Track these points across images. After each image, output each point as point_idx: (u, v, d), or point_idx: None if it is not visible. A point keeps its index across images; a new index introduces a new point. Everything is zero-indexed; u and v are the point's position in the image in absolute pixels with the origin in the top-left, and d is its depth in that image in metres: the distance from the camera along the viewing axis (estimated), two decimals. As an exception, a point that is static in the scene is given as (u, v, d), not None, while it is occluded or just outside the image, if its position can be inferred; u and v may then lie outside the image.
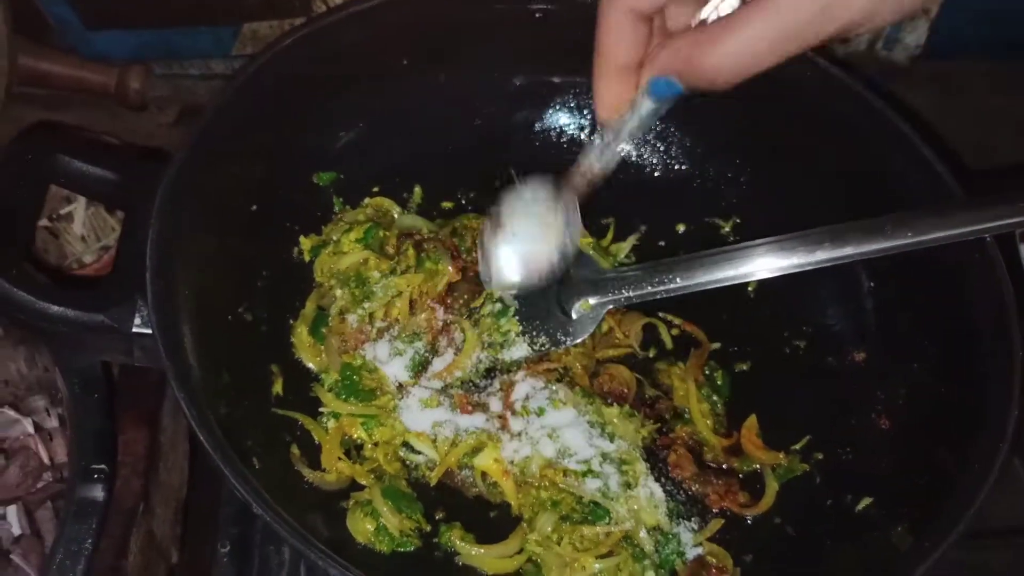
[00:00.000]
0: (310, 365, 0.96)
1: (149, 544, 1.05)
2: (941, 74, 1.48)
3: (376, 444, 0.92)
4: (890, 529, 0.79)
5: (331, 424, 0.92)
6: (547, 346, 0.97)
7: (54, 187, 1.24)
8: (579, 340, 0.97)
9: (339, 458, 0.89)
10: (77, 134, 1.06)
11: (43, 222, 1.29)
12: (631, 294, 0.95)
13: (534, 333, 0.98)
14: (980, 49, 1.45)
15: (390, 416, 0.93)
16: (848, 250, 0.85)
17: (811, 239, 0.86)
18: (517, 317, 0.98)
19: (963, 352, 0.86)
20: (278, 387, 0.92)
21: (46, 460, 1.03)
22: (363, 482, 0.89)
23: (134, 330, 0.74)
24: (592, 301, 0.96)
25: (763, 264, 0.88)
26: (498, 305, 0.99)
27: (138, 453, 1.05)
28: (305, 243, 1.01)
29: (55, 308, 0.74)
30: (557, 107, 1.14)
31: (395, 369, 0.96)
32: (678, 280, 0.92)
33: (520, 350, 0.98)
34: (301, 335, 0.96)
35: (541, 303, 0.98)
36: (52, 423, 1.05)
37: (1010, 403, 0.76)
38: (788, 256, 0.87)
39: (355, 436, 0.92)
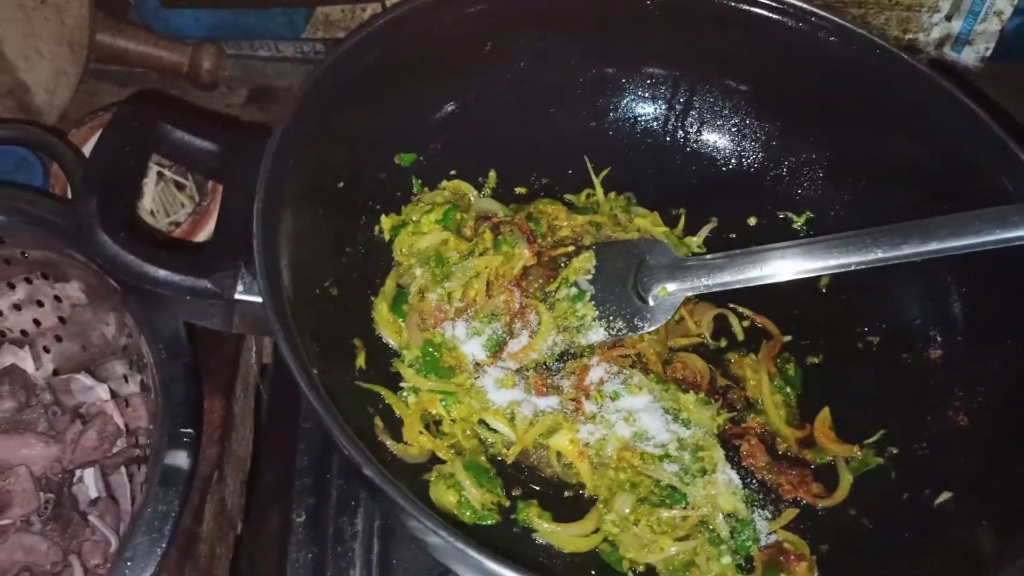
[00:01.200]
0: (390, 341, 0.97)
1: (221, 512, 1.07)
2: (1009, 74, 1.47)
3: (454, 420, 0.93)
4: (973, 526, 0.79)
5: (411, 399, 0.93)
6: (624, 331, 0.98)
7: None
8: (657, 326, 0.98)
9: (420, 432, 0.91)
10: (180, 104, 1.08)
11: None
12: (710, 282, 0.95)
13: (611, 318, 0.98)
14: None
15: (468, 393, 0.94)
16: (934, 246, 0.85)
17: (896, 234, 0.87)
18: (593, 302, 0.99)
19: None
20: (361, 361, 0.93)
21: (121, 426, 1.05)
22: (444, 456, 0.90)
23: (236, 296, 0.76)
24: (671, 288, 0.97)
25: (842, 259, 0.88)
26: (573, 289, 1.00)
27: (214, 423, 1.08)
28: (386, 222, 1.03)
29: (162, 272, 0.75)
30: (632, 98, 1.15)
31: (473, 348, 0.97)
32: (758, 270, 0.92)
33: (596, 334, 0.98)
34: (382, 311, 0.98)
35: (618, 288, 0.99)
36: (130, 388, 1.07)
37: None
38: (870, 251, 0.87)
39: (434, 412, 0.93)
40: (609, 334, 0.98)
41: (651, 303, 0.98)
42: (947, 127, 0.98)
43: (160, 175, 1.35)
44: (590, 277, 1.01)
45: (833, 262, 0.88)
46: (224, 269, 0.76)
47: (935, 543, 0.82)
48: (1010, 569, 0.71)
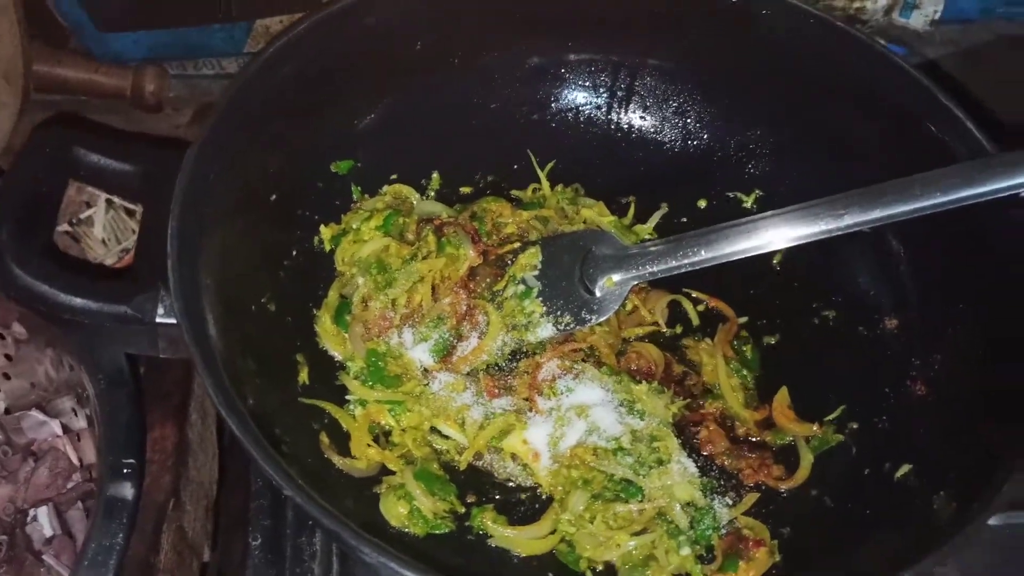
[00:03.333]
0: (335, 353, 0.96)
1: (181, 540, 1.05)
2: (960, 38, 1.46)
3: (404, 430, 0.91)
4: (931, 495, 0.78)
5: (358, 411, 0.91)
6: (572, 325, 0.96)
7: (74, 193, 1.26)
8: (604, 318, 0.96)
9: (368, 445, 0.89)
10: (95, 127, 1.06)
11: (64, 227, 1.29)
12: (655, 269, 0.93)
13: (558, 313, 0.97)
14: (1002, 13, 1.43)
15: (417, 401, 0.92)
16: (876, 213, 0.83)
17: (837, 204, 0.85)
18: (540, 298, 0.97)
19: (1000, 316, 0.84)
20: (304, 376, 0.92)
21: (75, 461, 1.04)
22: (393, 467, 0.88)
23: (158, 320, 0.74)
24: (616, 278, 0.95)
25: (788, 233, 0.86)
26: (521, 287, 0.98)
27: (167, 449, 1.05)
28: (325, 232, 1.01)
29: (78, 300, 0.74)
30: (573, 86, 1.13)
31: (420, 354, 0.95)
32: (702, 253, 0.90)
33: (545, 331, 0.97)
34: (325, 324, 0.96)
35: (565, 283, 0.98)
36: (80, 424, 1.05)
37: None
38: (814, 223, 0.85)
39: (383, 422, 0.91)
40: (558, 329, 0.96)
41: (598, 294, 0.96)
42: (888, 94, 0.97)
43: (109, 202, 1.33)
44: (537, 273, 0.99)
45: (775, 237, 0.86)
46: (144, 293, 0.74)
47: (896, 517, 0.81)
48: (965, 533, 0.69)
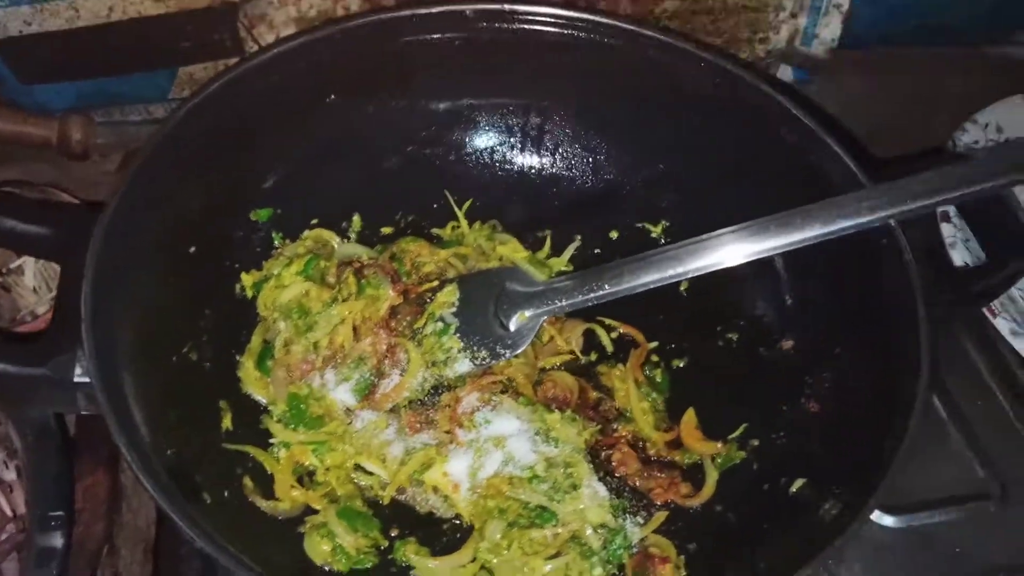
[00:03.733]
0: (259, 398, 0.99)
1: (116, 585, 1.07)
2: (864, 62, 1.53)
3: (328, 469, 0.95)
4: (821, 507, 0.83)
5: (282, 454, 0.94)
6: (488, 360, 1.00)
7: (1, 241, 1.27)
8: (518, 351, 1.00)
9: (292, 486, 0.92)
10: (7, 194, 1.08)
11: (-6, 276, 1.30)
12: (564, 303, 0.98)
13: (475, 348, 1.01)
14: (903, 37, 1.51)
15: (340, 440, 0.96)
16: (767, 244, 0.89)
17: (726, 238, 0.91)
18: (458, 334, 1.01)
19: (878, 334, 0.90)
20: (227, 422, 0.95)
21: (8, 512, 1.05)
22: (317, 507, 0.91)
23: (76, 379, 0.76)
24: (528, 313, 1.00)
25: (684, 265, 0.92)
26: (439, 324, 1.02)
27: (99, 496, 1.07)
28: (247, 279, 1.04)
29: (-5, 365, 0.76)
30: (486, 128, 1.18)
31: (343, 395, 0.99)
32: (607, 287, 0.95)
33: (463, 365, 1.01)
34: (248, 369, 0.99)
35: (480, 319, 1.02)
36: (11, 475, 1.06)
37: (918, 379, 0.80)
38: (707, 256, 0.91)
39: (307, 463, 0.95)
40: (475, 364, 1.00)
41: (512, 329, 1.01)
42: (775, 131, 1.03)
43: (38, 251, 1.34)
44: (454, 310, 1.03)
45: (668, 271, 0.92)
46: (61, 354, 0.77)
47: (791, 528, 0.86)
48: (845, 536, 0.74)
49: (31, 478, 0.91)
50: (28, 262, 1.34)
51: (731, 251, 0.89)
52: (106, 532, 1.05)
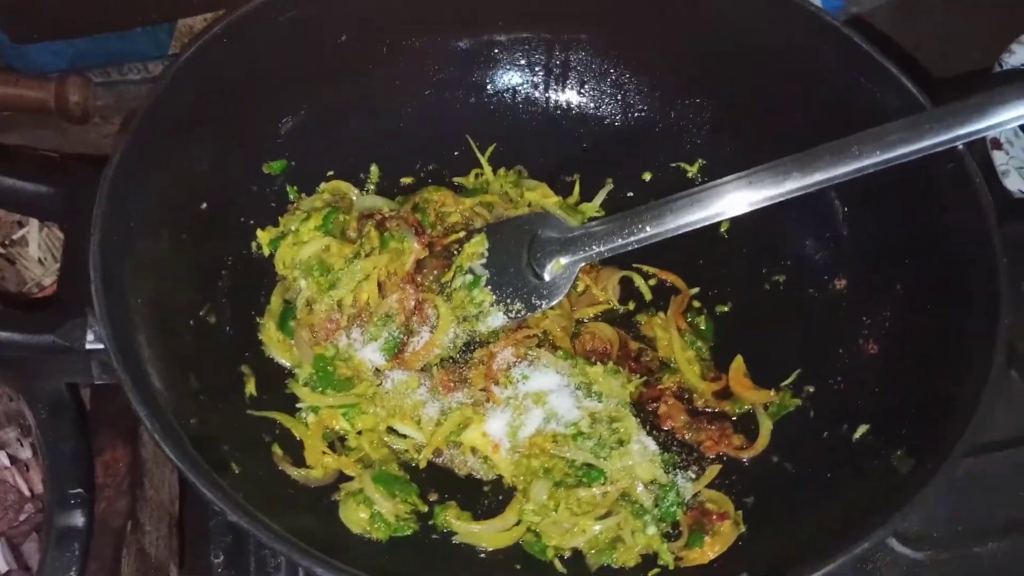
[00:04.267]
0: (283, 361, 0.93)
1: (143, 562, 1.03)
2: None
3: (360, 433, 0.90)
4: (890, 454, 0.78)
5: (311, 419, 0.89)
6: (523, 312, 0.95)
7: (3, 214, 1.22)
8: (555, 302, 0.95)
9: (323, 452, 0.87)
10: (9, 150, 1.02)
11: (-2, 249, 1.25)
12: (602, 248, 0.92)
13: (508, 300, 0.95)
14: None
15: (371, 402, 0.90)
16: (818, 176, 0.83)
17: (779, 170, 0.84)
18: (489, 286, 0.96)
19: (946, 267, 0.84)
20: (251, 387, 0.89)
21: (26, 492, 1.01)
22: (351, 472, 0.87)
23: (88, 347, 0.71)
24: (564, 260, 0.94)
25: (733, 201, 0.86)
26: (468, 276, 0.96)
27: (120, 472, 1.03)
28: (263, 236, 0.98)
29: (2, 334, 0.70)
30: (507, 66, 1.11)
31: (370, 354, 0.93)
32: (648, 229, 0.89)
33: (497, 319, 0.95)
34: (270, 331, 0.93)
35: (513, 269, 0.96)
36: (26, 453, 1.02)
37: (998, 312, 0.74)
38: (758, 190, 0.85)
39: (337, 427, 0.90)
40: (509, 317, 0.95)
41: (547, 279, 0.95)
42: (820, 53, 0.96)
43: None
44: (484, 261, 0.97)
45: (719, 208, 0.86)
46: (71, 320, 0.72)
47: (857, 477, 0.81)
48: (927, 488, 0.69)
49: (47, 455, 0.87)
50: (32, 233, 1.29)
51: (786, 183, 0.82)
52: (129, 508, 1.01)
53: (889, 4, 1.44)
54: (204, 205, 0.91)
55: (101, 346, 0.71)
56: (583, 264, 0.95)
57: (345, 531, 0.83)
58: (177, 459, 0.63)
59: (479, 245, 0.98)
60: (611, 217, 0.94)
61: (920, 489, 0.68)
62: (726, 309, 1.02)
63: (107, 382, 0.76)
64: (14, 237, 1.24)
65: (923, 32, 1.43)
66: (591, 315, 1.02)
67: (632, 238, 0.90)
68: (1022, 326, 1.09)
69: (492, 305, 0.95)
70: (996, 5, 1.39)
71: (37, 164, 0.90)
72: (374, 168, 1.08)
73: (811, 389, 0.93)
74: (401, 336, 0.95)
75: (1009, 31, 1.25)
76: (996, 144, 1.17)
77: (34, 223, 1.28)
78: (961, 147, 0.81)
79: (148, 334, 0.75)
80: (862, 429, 0.85)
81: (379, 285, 0.96)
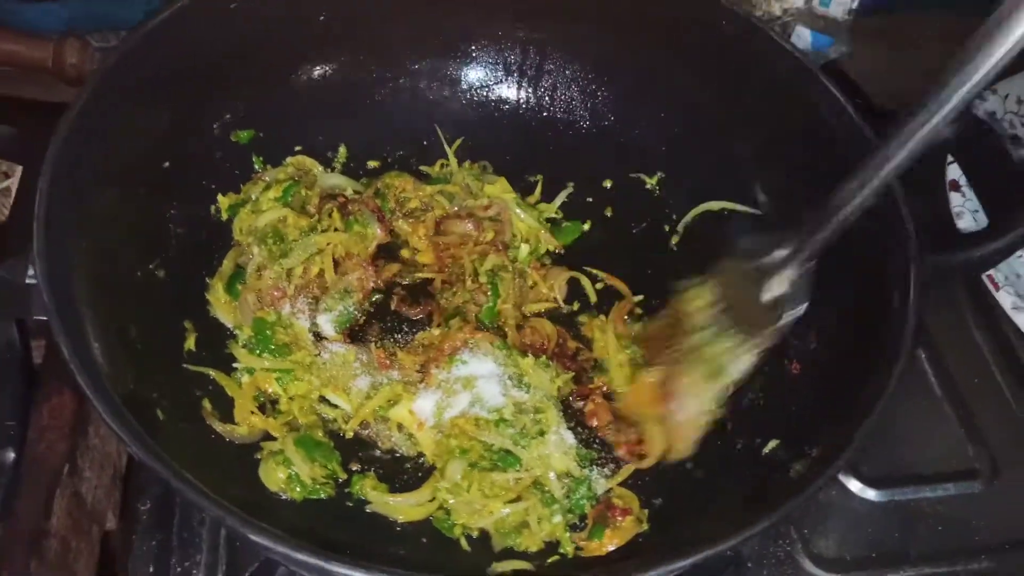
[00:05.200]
0: (225, 321, 0.96)
1: (77, 506, 1.05)
2: (889, 29, 1.49)
3: (292, 398, 0.92)
4: (791, 467, 0.80)
5: (245, 379, 0.92)
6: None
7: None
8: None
9: (252, 412, 0.89)
10: None
11: (-20, 196, 1.29)
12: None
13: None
14: (925, 2, 1.46)
15: (306, 371, 0.93)
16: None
17: None
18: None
19: (867, 291, 0.86)
20: (190, 343, 0.92)
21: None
22: (276, 434, 0.89)
23: (27, 281, 0.74)
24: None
25: None
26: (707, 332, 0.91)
27: (64, 417, 1.05)
28: (223, 201, 1.01)
29: (-57, 262, 0.73)
30: (482, 64, 1.14)
31: (324, 324, 0.96)
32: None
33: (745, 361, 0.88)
34: (217, 292, 0.96)
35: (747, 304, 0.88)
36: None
37: (902, 334, 0.76)
38: None
39: (270, 391, 0.92)
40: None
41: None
42: (786, 80, 0.98)
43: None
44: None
45: None
46: (14, 254, 0.74)
47: (760, 488, 0.82)
48: (804, 495, 0.71)
49: (-11, 389, 0.89)
50: (15, 183, 1.33)
51: None
52: (68, 451, 1.03)
53: (871, 41, 1.47)
54: (166, 164, 0.94)
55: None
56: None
57: (263, 490, 0.86)
58: (90, 390, 0.66)
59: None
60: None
61: (794, 496, 0.70)
62: (666, 319, 1.04)
63: (42, 318, 0.78)
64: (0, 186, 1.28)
65: (905, 75, 1.46)
66: (536, 311, 1.05)
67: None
68: (968, 364, 1.13)
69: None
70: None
71: (2, 105, 0.93)
72: (342, 148, 1.11)
73: (733, 403, 0.94)
74: (355, 313, 0.98)
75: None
76: (954, 186, 1.20)
77: (17, 174, 1.32)
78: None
79: (89, 277, 0.77)
80: (773, 444, 0.86)
81: (336, 262, 0.99)
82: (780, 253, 0.83)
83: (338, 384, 0.93)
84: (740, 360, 0.87)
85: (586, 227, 1.10)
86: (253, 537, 0.65)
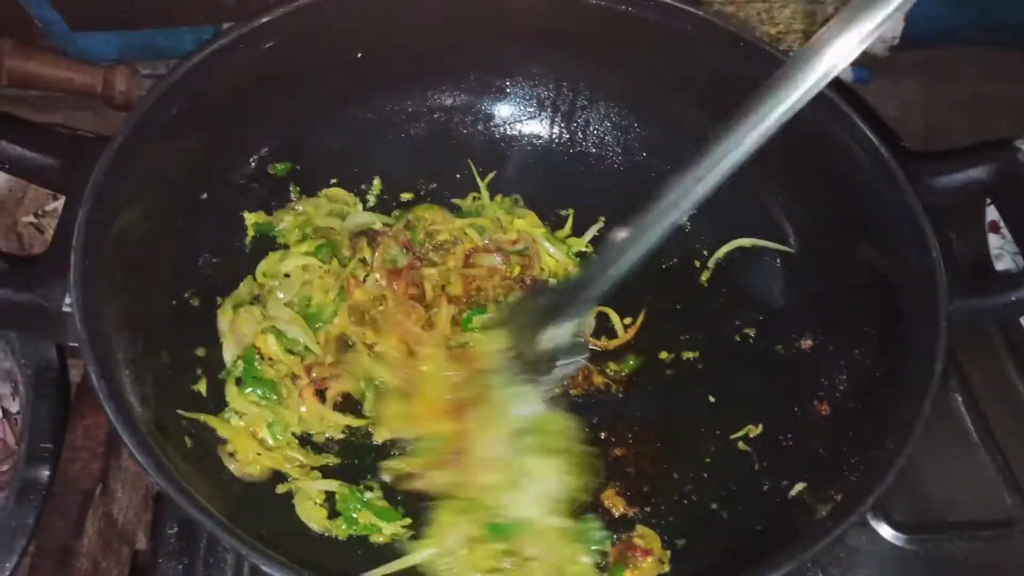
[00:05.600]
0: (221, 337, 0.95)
1: (108, 526, 1.07)
2: (927, 62, 1.47)
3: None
4: (817, 511, 0.79)
5: (236, 422, 0.91)
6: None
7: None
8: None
9: (258, 453, 0.89)
10: (20, 122, 1.09)
11: (29, 218, 1.33)
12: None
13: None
14: (965, 37, 1.44)
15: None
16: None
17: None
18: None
19: (897, 334, 0.85)
20: (202, 386, 0.92)
21: (12, 444, 1.06)
22: (291, 474, 0.89)
23: (64, 308, 0.76)
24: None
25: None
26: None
27: (98, 437, 1.08)
28: (250, 217, 1.02)
29: (-12, 289, 0.76)
30: (516, 99, 1.15)
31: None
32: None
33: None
34: (226, 312, 0.96)
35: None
36: (16, 408, 1.07)
37: (930, 379, 0.75)
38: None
39: (260, 436, 0.91)
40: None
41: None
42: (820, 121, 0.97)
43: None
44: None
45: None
46: (52, 281, 0.77)
47: (786, 530, 0.81)
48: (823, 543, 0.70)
49: (27, 410, 0.92)
50: (61, 204, 1.37)
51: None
52: (101, 471, 1.05)
53: (912, 74, 1.46)
54: (205, 195, 0.97)
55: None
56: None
57: (289, 520, 0.86)
58: (116, 421, 0.67)
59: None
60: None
61: (816, 542, 0.69)
62: (693, 355, 1.03)
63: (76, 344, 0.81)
64: (47, 208, 1.31)
65: (945, 109, 1.45)
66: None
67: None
68: (1007, 410, 1.10)
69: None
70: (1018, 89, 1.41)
71: (41, 133, 0.96)
72: (376, 181, 1.13)
73: (761, 443, 0.93)
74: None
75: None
76: (994, 227, 1.18)
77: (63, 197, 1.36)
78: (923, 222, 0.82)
79: (123, 305, 0.79)
80: (799, 487, 0.85)
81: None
82: (563, 299, 0.85)
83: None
84: (525, 405, 0.88)
85: (617, 262, 1.10)
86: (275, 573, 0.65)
